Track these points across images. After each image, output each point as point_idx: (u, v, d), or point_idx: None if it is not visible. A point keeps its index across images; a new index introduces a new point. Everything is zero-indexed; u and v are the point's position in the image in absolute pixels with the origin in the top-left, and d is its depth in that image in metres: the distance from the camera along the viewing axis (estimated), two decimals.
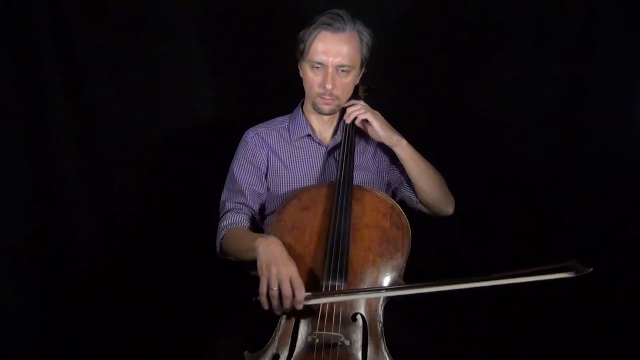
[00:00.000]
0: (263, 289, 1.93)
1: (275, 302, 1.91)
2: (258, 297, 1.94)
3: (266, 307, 1.94)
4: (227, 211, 2.34)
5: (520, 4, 2.85)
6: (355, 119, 2.34)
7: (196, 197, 2.77)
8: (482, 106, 2.92)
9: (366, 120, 2.33)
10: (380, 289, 2.01)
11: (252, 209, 2.36)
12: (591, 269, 1.72)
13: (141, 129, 2.88)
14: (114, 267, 2.87)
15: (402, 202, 2.48)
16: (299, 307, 1.90)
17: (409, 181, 2.44)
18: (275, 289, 1.90)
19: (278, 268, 1.92)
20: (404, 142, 2.34)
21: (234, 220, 2.30)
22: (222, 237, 2.28)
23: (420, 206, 2.47)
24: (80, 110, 2.78)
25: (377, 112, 2.35)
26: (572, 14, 2.81)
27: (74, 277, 2.81)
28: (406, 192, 2.47)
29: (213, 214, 2.42)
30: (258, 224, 2.40)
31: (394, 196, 2.52)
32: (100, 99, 2.81)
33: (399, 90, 2.90)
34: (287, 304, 1.90)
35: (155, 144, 2.91)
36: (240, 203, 2.35)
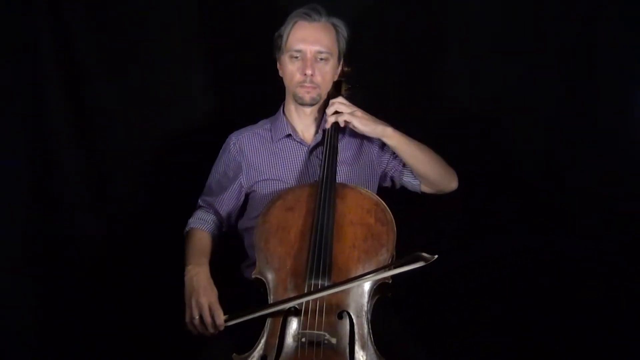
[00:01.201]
0: (187, 318, 2.10)
1: (199, 328, 2.05)
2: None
3: (195, 333, 2.09)
4: (198, 207, 2.49)
5: (521, 4, 2.84)
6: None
7: (196, 197, 2.76)
8: (482, 106, 2.90)
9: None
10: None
11: (218, 212, 2.47)
12: (436, 256, 1.85)
13: (141, 129, 2.88)
14: (114, 267, 2.86)
15: (405, 189, 2.52)
16: (221, 328, 2.05)
17: (405, 166, 2.43)
18: (197, 317, 2.06)
19: (197, 298, 2.09)
20: (389, 130, 2.34)
21: (199, 217, 2.47)
22: (186, 232, 2.46)
23: (423, 187, 2.48)
24: (80, 110, 2.79)
25: (356, 108, 2.34)
26: (572, 14, 2.80)
27: (74, 277, 2.81)
28: (406, 178, 2.48)
29: None
30: (222, 225, 2.49)
31: (394, 185, 2.52)
32: (100, 99, 2.82)
33: (396, 91, 2.90)
34: (209, 328, 2.06)
35: (155, 144, 2.91)
36: (209, 204, 2.47)
